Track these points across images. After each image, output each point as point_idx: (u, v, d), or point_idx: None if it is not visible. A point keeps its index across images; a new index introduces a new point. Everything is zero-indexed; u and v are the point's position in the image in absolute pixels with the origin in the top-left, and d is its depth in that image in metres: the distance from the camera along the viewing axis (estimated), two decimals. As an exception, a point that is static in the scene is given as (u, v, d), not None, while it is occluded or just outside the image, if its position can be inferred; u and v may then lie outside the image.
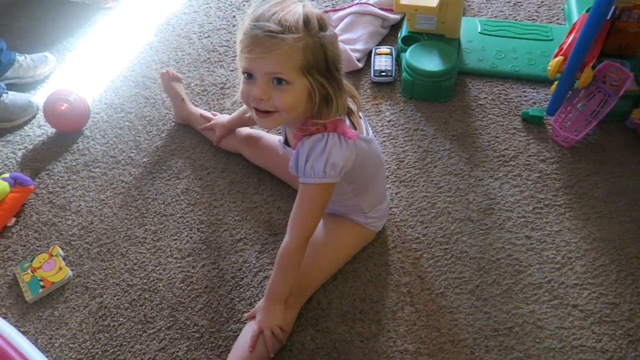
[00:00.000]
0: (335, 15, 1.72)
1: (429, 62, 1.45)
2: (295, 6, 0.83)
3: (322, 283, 1.10)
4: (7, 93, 1.47)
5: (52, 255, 1.17)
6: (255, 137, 1.31)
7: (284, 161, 1.23)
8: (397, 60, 1.57)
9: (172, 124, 1.46)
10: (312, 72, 0.85)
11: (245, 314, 1.05)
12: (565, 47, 1.34)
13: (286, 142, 1.03)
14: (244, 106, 1.27)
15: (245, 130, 1.33)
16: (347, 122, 0.93)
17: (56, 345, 1.06)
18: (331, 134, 0.90)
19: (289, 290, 1.01)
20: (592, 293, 1.08)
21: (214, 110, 1.48)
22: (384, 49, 1.59)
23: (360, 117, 0.99)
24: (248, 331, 1.00)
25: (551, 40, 1.59)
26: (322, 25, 0.85)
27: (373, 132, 1.07)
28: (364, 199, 1.09)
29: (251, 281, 1.13)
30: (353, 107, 0.96)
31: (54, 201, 1.30)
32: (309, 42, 0.83)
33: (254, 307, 1.08)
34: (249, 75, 0.86)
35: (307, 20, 0.82)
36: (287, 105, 0.86)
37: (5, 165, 1.39)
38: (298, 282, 1.02)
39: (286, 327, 1.01)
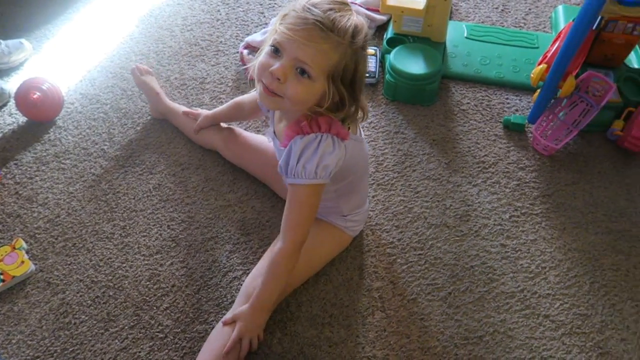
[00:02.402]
0: (321, 14, 1.69)
1: (413, 65, 1.44)
2: (351, 13, 0.84)
3: (294, 289, 1.07)
4: (-22, 79, 1.42)
5: (14, 248, 1.13)
6: (235, 133, 1.28)
7: (261, 160, 1.22)
8: (382, 62, 1.56)
9: (148, 117, 1.43)
10: (336, 80, 0.84)
11: (224, 319, 0.97)
12: (549, 55, 1.33)
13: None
14: (234, 100, 1.25)
15: (225, 125, 1.31)
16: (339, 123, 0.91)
17: (13, 341, 1.02)
18: (324, 134, 0.88)
19: (276, 298, 0.98)
20: (564, 304, 1.07)
21: (193, 106, 1.45)
22: (369, 50, 1.57)
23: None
24: (220, 334, 0.96)
25: (537, 48, 1.59)
26: (365, 44, 0.86)
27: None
28: (346, 201, 1.07)
29: (220, 281, 1.10)
30: (359, 117, 0.94)
31: (20, 192, 1.26)
32: (348, 52, 0.83)
33: (222, 307, 1.06)
34: (277, 50, 0.84)
35: (356, 32, 0.83)
36: (297, 97, 0.84)
37: (-27, 153, 1.35)
38: None
39: (261, 335, 0.99)
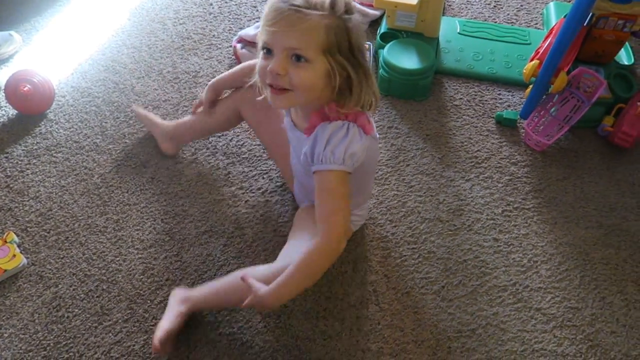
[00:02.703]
0: (315, 8, 1.69)
1: (407, 60, 1.44)
2: None
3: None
4: (-33, 71, 1.40)
5: (6, 242, 1.12)
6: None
7: (278, 128, 1.10)
8: (375, 57, 1.56)
9: (141, 110, 1.42)
10: (334, 53, 0.82)
11: (247, 301, 0.88)
12: (541, 51, 1.34)
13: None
14: (245, 64, 1.13)
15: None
16: (366, 115, 0.91)
17: (5, 335, 1.01)
18: (351, 123, 0.87)
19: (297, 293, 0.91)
20: (556, 297, 1.08)
21: (185, 99, 1.45)
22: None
23: (369, 119, 0.97)
24: (235, 287, 0.93)
25: (529, 44, 1.60)
26: (349, 9, 0.83)
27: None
28: (356, 197, 1.06)
29: (214, 275, 1.10)
30: (373, 102, 0.91)
31: (11, 185, 1.25)
32: (333, 22, 0.81)
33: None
34: (268, 51, 0.83)
35: (333, 2, 0.81)
36: (304, 83, 0.83)
37: (-38, 146, 1.33)
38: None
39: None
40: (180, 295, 1.01)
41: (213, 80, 1.16)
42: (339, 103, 0.87)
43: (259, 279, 0.89)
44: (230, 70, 1.14)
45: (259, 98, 0.95)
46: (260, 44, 0.85)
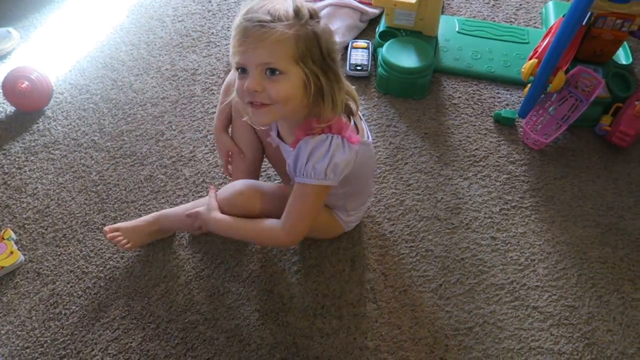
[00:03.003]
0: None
1: (405, 59, 1.44)
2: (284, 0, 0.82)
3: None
4: (-35, 67, 1.40)
5: (3, 239, 1.12)
6: None
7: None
8: (374, 55, 1.56)
9: (139, 107, 1.42)
10: (306, 61, 0.83)
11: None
12: (540, 50, 1.34)
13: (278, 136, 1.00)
14: (223, 90, 1.11)
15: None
16: (351, 124, 0.91)
17: (2, 332, 1.01)
18: (335, 136, 0.87)
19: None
20: (553, 295, 1.08)
21: (184, 96, 1.45)
22: (361, 43, 1.57)
23: (360, 119, 0.97)
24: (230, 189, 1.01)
25: (527, 43, 1.60)
26: (313, 15, 0.83)
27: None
28: (352, 201, 1.07)
29: (212, 272, 1.10)
30: (353, 106, 0.92)
31: (8, 182, 1.24)
32: (301, 31, 0.81)
33: (214, 298, 1.06)
34: (243, 70, 0.84)
35: (297, 10, 0.81)
36: (282, 96, 0.83)
37: (-40, 142, 1.33)
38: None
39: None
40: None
41: (215, 127, 1.12)
42: (317, 117, 0.87)
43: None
44: (219, 104, 1.11)
45: (244, 119, 0.95)
46: (233, 66, 0.86)
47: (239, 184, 1.02)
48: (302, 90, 0.85)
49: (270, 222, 0.96)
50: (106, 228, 1.09)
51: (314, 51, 0.83)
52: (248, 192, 1.00)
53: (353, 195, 1.06)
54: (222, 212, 1.00)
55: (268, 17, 0.80)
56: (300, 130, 0.89)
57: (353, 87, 0.94)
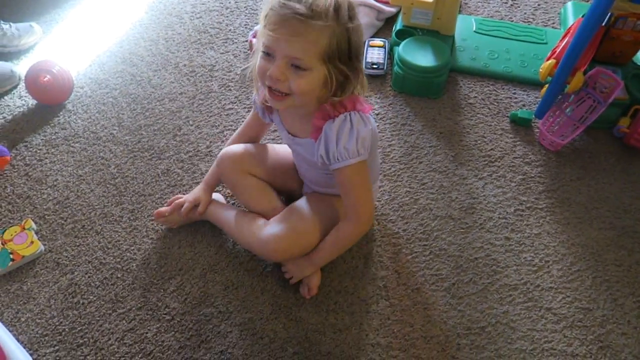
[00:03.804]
0: (331, 4, 1.70)
1: (422, 58, 1.44)
2: None
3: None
4: (-11, 61, 1.43)
5: (24, 229, 1.14)
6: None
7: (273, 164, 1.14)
8: (390, 54, 1.56)
9: (157, 102, 1.44)
10: (334, 60, 0.84)
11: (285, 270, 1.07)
12: (558, 50, 1.34)
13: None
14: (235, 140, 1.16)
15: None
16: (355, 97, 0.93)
17: (22, 319, 1.03)
18: (352, 112, 0.90)
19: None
20: (567, 297, 1.08)
21: (201, 92, 1.46)
22: (377, 42, 1.57)
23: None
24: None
25: (545, 43, 1.59)
26: (352, 15, 0.84)
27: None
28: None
29: (227, 265, 1.11)
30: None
31: (30, 174, 1.27)
32: (337, 30, 0.81)
33: (228, 292, 1.07)
34: (268, 53, 0.84)
35: (337, 8, 0.81)
36: (302, 89, 0.85)
37: (-17, 134, 1.36)
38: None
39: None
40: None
41: (205, 182, 1.17)
42: (330, 103, 0.89)
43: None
44: (209, 175, 1.17)
45: (254, 96, 1.00)
46: (260, 45, 0.85)
47: (275, 229, 1.02)
48: (322, 84, 0.86)
49: (342, 232, 1.00)
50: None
51: (343, 51, 0.84)
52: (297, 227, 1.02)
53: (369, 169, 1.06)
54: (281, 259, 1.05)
55: (308, 12, 0.79)
56: (318, 118, 0.91)
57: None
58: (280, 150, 1.15)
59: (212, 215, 1.14)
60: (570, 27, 1.40)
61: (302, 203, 1.07)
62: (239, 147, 1.11)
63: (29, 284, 1.09)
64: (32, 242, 1.12)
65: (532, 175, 1.29)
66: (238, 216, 1.10)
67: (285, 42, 0.81)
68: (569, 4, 1.69)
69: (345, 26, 0.82)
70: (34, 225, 1.16)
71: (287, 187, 1.16)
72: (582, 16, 1.21)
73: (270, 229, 1.03)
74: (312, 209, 1.05)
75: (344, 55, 0.84)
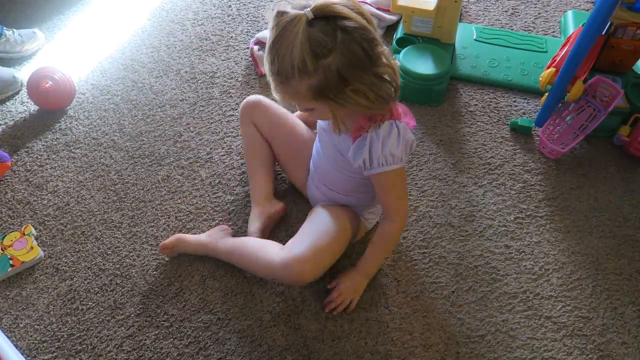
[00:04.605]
0: (332, 12, 1.70)
1: (422, 65, 1.44)
2: (295, 40, 0.78)
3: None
4: (-9, 66, 1.44)
5: (24, 234, 1.14)
6: (266, 106, 1.20)
7: (291, 139, 1.19)
8: (391, 61, 1.56)
9: (158, 109, 1.44)
10: (329, 95, 0.84)
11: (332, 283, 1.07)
12: (558, 59, 1.34)
13: None
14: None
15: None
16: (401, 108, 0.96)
17: (21, 325, 1.03)
18: (397, 121, 0.92)
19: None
20: (567, 306, 1.08)
21: (202, 99, 1.47)
22: (378, 49, 1.58)
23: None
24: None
25: (545, 52, 1.59)
26: (324, 53, 0.79)
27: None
28: (370, 195, 1.09)
29: (226, 272, 1.11)
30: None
31: (30, 179, 1.28)
32: (313, 77, 0.81)
33: (227, 298, 1.07)
34: None
35: (301, 65, 0.79)
36: (322, 119, 0.96)
37: (-15, 139, 1.36)
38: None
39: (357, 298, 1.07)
40: (215, 235, 1.13)
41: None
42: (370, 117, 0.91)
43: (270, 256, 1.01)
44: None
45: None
46: None
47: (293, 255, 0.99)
48: (339, 109, 0.88)
49: (383, 233, 1.04)
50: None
51: (333, 83, 0.82)
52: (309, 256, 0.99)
53: (372, 190, 1.07)
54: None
55: (278, 78, 0.84)
56: (364, 119, 0.92)
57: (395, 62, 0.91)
58: (300, 128, 1.20)
59: (222, 251, 1.10)
60: (570, 36, 1.40)
61: (315, 221, 1.06)
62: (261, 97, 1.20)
63: (28, 289, 1.09)
64: (31, 248, 1.12)
65: (532, 183, 1.29)
66: (250, 243, 1.08)
67: (281, 97, 0.88)
68: (569, 13, 1.69)
69: (320, 69, 0.80)
70: (33, 231, 1.16)
71: (288, 163, 1.21)
72: (582, 25, 1.21)
73: (290, 251, 0.99)
74: (327, 224, 1.04)
75: (338, 85, 0.83)
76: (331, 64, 0.81)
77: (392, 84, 0.88)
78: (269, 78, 0.86)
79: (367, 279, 1.07)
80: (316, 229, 1.03)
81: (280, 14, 0.80)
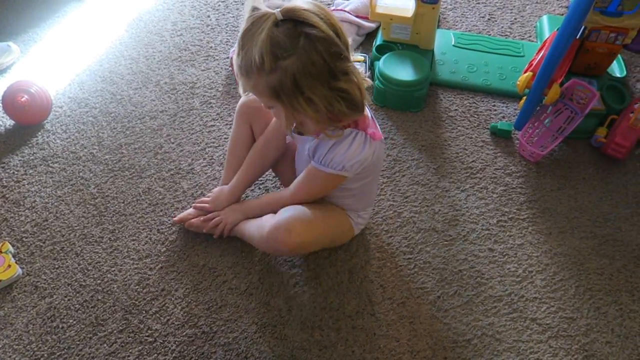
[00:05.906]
0: (311, 21, 1.71)
1: (402, 72, 1.45)
2: (258, 37, 0.80)
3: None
4: (-36, 81, 1.41)
5: (1, 252, 1.12)
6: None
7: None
8: (371, 69, 1.57)
9: (138, 121, 1.43)
10: (285, 97, 0.85)
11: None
12: (535, 63, 1.36)
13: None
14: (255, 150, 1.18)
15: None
16: (371, 120, 0.96)
17: (-1, 346, 1.01)
18: (360, 132, 0.92)
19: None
20: (551, 307, 1.08)
21: (182, 109, 1.45)
22: (358, 57, 1.58)
23: (373, 119, 1.00)
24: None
25: (522, 56, 1.62)
26: (284, 54, 0.81)
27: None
28: (363, 199, 1.10)
29: (210, 285, 1.10)
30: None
31: (7, 196, 1.25)
32: (271, 76, 0.83)
33: (212, 311, 1.06)
34: None
35: (260, 62, 0.81)
36: (280, 119, 0.92)
37: (-41, 156, 1.33)
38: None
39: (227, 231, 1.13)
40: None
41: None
42: (338, 119, 0.91)
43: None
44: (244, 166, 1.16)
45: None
46: None
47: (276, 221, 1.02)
48: (296, 114, 0.89)
49: (279, 195, 1.11)
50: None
51: (287, 87, 0.83)
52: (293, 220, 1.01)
53: (364, 193, 1.08)
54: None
55: (242, 71, 0.85)
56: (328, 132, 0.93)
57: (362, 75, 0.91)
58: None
59: (238, 231, 1.15)
60: (545, 40, 1.43)
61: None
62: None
63: (6, 309, 1.06)
64: (9, 266, 1.10)
65: (514, 186, 1.30)
66: (252, 222, 1.12)
67: (242, 84, 0.90)
68: (544, 18, 1.72)
69: (278, 70, 0.82)
70: (11, 248, 1.13)
71: (279, 165, 1.20)
72: (557, 29, 1.23)
73: (279, 215, 1.02)
74: (316, 205, 1.06)
75: (293, 90, 0.84)
76: (288, 68, 0.82)
77: (352, 101, 0.87)
78: (235, 67, 0.88)
79: (243, 216, 1.12)
80: (304, 206, 1.05)
81: (254, 8, 0.83)
